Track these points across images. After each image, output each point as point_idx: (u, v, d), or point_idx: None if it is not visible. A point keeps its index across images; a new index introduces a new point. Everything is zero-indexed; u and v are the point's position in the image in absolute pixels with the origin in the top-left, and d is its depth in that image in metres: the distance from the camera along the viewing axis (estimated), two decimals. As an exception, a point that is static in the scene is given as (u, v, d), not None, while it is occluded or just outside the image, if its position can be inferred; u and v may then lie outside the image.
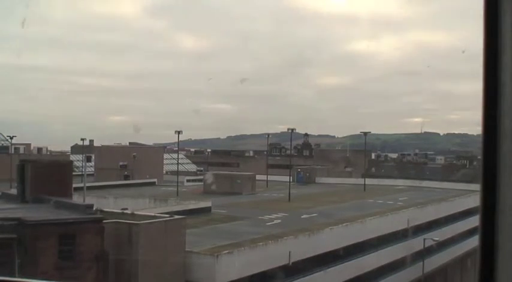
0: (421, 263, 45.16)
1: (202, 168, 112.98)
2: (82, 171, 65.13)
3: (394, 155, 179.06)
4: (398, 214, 50.32)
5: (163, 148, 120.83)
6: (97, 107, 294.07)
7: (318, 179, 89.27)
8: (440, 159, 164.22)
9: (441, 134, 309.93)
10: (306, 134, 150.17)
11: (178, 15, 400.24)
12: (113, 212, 35.62)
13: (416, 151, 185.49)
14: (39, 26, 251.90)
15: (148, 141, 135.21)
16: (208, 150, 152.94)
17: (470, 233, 53.46)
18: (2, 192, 41.89)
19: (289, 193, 61.74)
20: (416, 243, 45.61)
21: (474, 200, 48.58)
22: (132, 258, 29.37)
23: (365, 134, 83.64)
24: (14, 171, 42.72)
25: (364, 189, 73.58)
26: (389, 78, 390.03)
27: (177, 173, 79.62)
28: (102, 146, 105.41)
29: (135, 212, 35.83)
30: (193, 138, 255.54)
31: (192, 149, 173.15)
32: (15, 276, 21.13)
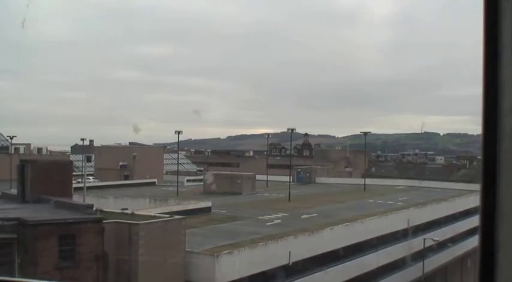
0: (421, 263, 45.20)
1: (202, 168, 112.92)
2: (82, 171, 65.13)
3: (394, 155, 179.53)
4: (399, 214, 50.27)
5: (163, 148, 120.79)
6: None
7: (318, 179, 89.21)
8: (440, 159, 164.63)
9: (441, 134, 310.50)
10: (306, 134, 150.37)
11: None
12: (112, 212, 35.58)
13: (416, 151, 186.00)
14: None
15: (148, 141, 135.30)
16: (208, 150, 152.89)
17: (470, 233, 53.48)
18: (2, 192, 41.82)
19: (289, 193, 61.68)
20: (416, 243, 45.61)
21: (474, 200, 48.62)
22: (132, 258, 29.36)
23: (365, 134, 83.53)
24: (14, 171, 42.73)
25: (364, 189, 73.59)
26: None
27: (177, 173, 79.54)
28: (102, 146, 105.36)
29: (135, 212, 35.76)
30: (193, 138, 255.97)
31: (192, 149, 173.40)
32: (15, 276, 21.12)
